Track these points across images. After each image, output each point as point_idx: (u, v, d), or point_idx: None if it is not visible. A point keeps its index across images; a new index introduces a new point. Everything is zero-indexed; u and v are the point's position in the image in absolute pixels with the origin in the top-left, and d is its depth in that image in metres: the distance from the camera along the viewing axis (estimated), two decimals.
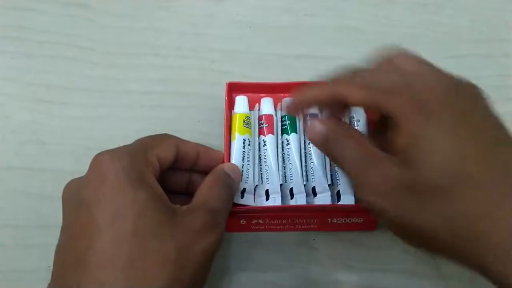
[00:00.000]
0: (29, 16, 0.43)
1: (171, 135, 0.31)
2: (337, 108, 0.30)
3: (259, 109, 0.36)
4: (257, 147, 0.35)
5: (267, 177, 0.34)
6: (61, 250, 0.26)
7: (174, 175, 0.32)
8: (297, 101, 0.30)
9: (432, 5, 0.45)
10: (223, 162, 0.33)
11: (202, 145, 0.33)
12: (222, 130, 0.38)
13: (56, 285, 0.25)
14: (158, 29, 0.43)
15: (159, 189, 0.27)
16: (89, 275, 0.23)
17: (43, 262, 0.34)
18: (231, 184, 0.31)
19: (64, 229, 0.26)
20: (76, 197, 0.26)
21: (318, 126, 0.28)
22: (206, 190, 0.29)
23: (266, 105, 0.36)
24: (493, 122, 0.24)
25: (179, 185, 0.33)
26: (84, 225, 0.24)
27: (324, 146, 0.28)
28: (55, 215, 0.36)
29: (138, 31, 0.43)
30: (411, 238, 0.25)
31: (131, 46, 0.43)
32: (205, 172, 0.32)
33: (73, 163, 0.38)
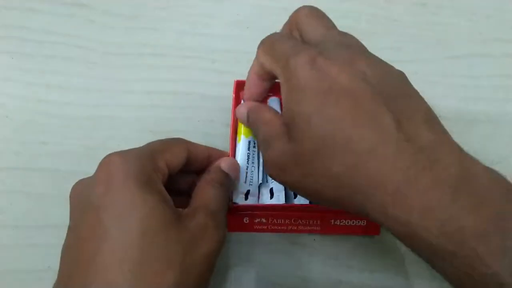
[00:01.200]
0: (29, 16, 0.43)
1: (183, 140, 0.31)
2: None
3: None
4: None
5: None
6: (68, 251, 0.26)
7: (183, 176, 0.32)
8: (246, 88, 0.34)
9: (432, 5, 0.45)
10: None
11: (212, 148, 0.33)
12: (223, 130, 0.38)
13: (62, 285, 0.25)
14: (158, 29, 0.43)
15: (166, 194, 0.27)
16: (96, 276, 0.23)
17: (43, 262, 0.34)
18: (227, 183, 0.31)
19: (71, 229, 0.26)
20: (84, 198, 0.26)
21: (241, 107, 0.33)
22: (202, 191, 0.30)
23: (273, 105, 0.36)
24: (358, 86, 0.25)
25: (186, 186, 0.33)
26: (92, 227, 0.24)
27: (247, 124, 0.32)
28: (55, 215, 0.36)
29: (138, 31, 0.43)
30: (311, 198, 0.29)
31: (131, 46, 0.43)
32: None
33: (73, 163, 0.38)
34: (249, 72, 0.33)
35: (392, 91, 0.25)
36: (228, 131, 0.35)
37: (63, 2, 0.44)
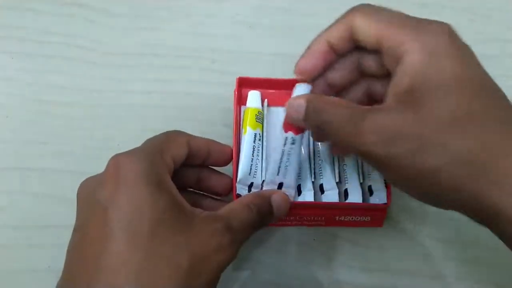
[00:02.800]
0: (29, 16, 0.43)
1: (182, 132, 0.31)
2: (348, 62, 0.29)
3: (268, 105, 0.36)
4: (265, 143, 0.35)
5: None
6: (73, 250, 0.25)
7: (183, 171, 0.31)
8: (305, 58, 0.29)
9: (432, 5, 0.45)
10: (232, 157, 0.33)
11: (212, 141, 0.32)
12: (223, 130, 0.38)
13: (66, 284, 0.25)
14: (158, 29, 0.43)
15: (177, 193, 0.27)
16: (100, 277, 0.23)
17: (43, 262, 0.34)
18: (266, 214, 0.30)
19: (78, 229, 0.26)
20: (92, 197, 0.25)
21: (296, 101, 0.27)
22: (235, 206, 0.29)
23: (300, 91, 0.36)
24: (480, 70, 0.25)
25: (189, 180, 0.32)
26: (98, 227, 0.24)
27: (307, 118, 0.27)
28: (55, 215, 0.36)
29: (138, 31, 0.43)
30: (414, 184, 0.25)
31: (131, 46, 0.43)
32: (214, 168, 0.32)
33: (73, 163, 0.38)
34: (316, 40, 0.28)
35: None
36: (228, 131, 0.35)
37: (63, 2, 0.44)
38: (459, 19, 0.44)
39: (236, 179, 0.33)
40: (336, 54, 0.28)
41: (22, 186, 0.37)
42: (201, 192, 0.33)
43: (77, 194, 0.27)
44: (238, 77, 0.36)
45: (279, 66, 0.42)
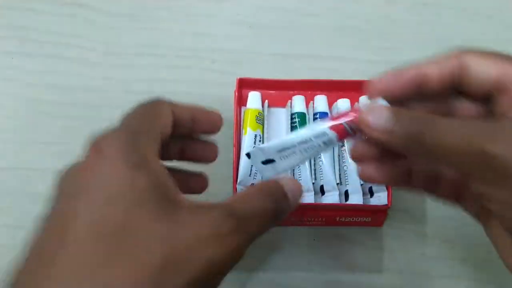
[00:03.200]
0: (29, 16, 0.43)
1: (165, 101, 0.27)
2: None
3: (268, 106, 0.36)
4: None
5: None
6: (32, 243, 0.22)
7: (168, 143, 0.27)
8: (391, 77, 0.25)
9: (432, 5, 0.45)
10: (219, 126, 0.29)
11: (197, 107, 0.28)
12: (223, 129, 0.38)
13: (21, 282, 0.21)
14: (158, 29, 0.43)
15: (163, 175, 0.23)
16: (52, 277, 0.20)
17: None
18: (283, 205, 0.25)
19: (43, 219, 0.22)
20: (67, 183, 0.22)
21: (379, 108, 0.24)
22: (244, 194, 0.25)
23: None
24: None
25: (172, 153, 0.29)
26: (62, 215, 0.21)
27: (399, 126, 0.23)
28: None
29: (138, 31, 0.43)
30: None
31: (131, 46, 0.43)
32: (201, 138, 0.29)
33: None
34: (409, 67, 0.25)
35: None
36: (228, 131, 0.35)
37: (63, 2, 0.44)
38: (459, 19, 0.44)
39: (237, 180, 0.33)
40: (420, 91, 0.25)
41: (23, 186, 0.37)
42: (187, 172, 0.30)
43: (54, 183, 0.23)
44: (238, 78, 0.36)
45: (279, 66, 0.42)
